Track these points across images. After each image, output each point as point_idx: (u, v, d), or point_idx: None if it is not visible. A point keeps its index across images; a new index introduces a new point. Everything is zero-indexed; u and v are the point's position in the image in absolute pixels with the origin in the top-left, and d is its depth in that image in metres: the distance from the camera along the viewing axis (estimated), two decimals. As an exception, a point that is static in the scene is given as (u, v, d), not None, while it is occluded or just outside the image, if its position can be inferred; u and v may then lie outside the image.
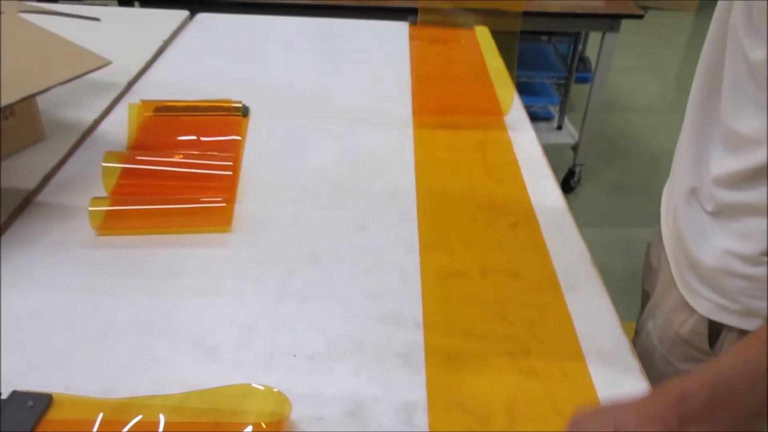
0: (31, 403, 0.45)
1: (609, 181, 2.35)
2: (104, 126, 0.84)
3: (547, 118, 2.40)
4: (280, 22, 1.27)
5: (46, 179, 0.72)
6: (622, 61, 3.05)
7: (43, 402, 0.45)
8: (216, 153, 0.76)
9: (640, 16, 1.91)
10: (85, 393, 0.47)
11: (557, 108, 2.38)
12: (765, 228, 0.51)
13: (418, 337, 0.54)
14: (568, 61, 2.38)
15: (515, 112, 0.93)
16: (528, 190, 0.75)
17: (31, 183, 0.70)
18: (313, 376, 0.50)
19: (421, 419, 0.47)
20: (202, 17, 1.25)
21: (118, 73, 0.91)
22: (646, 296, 0.76)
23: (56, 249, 0.62)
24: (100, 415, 0.45)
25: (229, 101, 0.87)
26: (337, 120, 0.90)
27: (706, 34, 0.57)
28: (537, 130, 0.89)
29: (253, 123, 0.86)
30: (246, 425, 0.44)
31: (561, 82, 2.33)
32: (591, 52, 2.56)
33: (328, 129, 0.87)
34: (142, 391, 0.47)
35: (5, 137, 0.72)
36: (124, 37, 1.10)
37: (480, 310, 0.57)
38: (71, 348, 0.51)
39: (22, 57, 0.65)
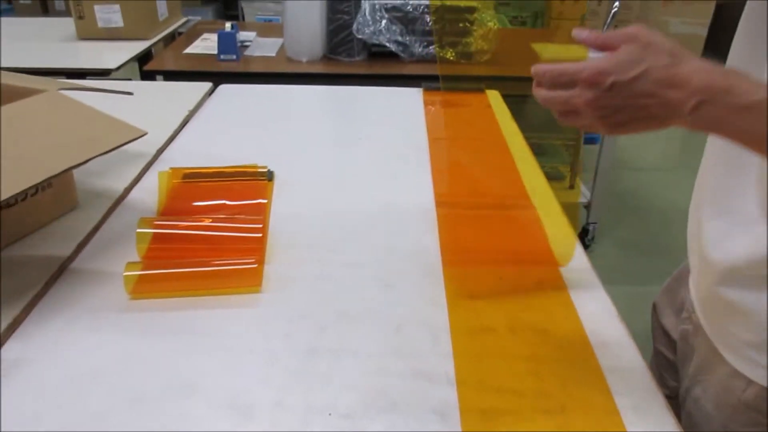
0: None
1: (622, 239, 2.36)
2: (135, 193, 0.87)
3: (558, 178, 2.43)
4: (299, 91, 1.33)
5: (81, 246, 0.74)
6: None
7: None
8: (244, 216, 0.78)
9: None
10: (124, 455, 0.47)
11: (568, 168, 2.42)
12: None
13: (451, 393, 0.54)
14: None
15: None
16: (551, 246, 0.76)
17: (66, 250, 0.72)
18: (349, 435, 0.50)
19: (460, 478, 0.47)
20: (224, 88, 1.30)
21: (147, 143, 0.95)
22: (659, 355, 0.75)
23: (91, 314, 0.63)
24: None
25: (255, 166, 0.90)
26: (359, 181, 0.92)
27: None
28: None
29: (278, 186, 0.89)
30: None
31: (571, 143, 2.38)
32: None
33: (350, 190, 0.89)
34: (180, 453, 0.47)
35: (42, 208, 0.75)
36: (151, 109, 1.14)
37: (511, 365, 0.58)
38: (108, 411, 0.51)
39: (63, 131, 0.68)
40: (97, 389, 0.54)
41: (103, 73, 1.64)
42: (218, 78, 1.39)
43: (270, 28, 2.16)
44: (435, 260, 0.73)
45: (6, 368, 0.56)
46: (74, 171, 0.79)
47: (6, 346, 0.58)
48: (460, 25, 1.72)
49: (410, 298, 0.67)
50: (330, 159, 1.01)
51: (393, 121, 1.17)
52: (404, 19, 1.73)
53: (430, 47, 1.75)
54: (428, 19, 1.73)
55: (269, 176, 0.90)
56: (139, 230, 0.71)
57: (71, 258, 0.72)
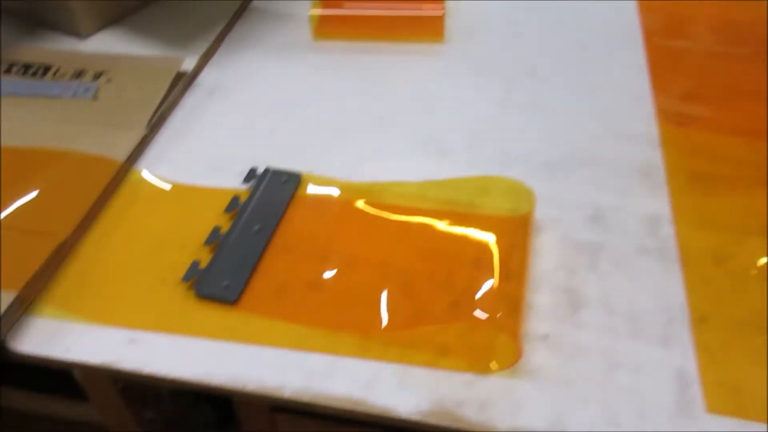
0: (285, 177, 0.48)
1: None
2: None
3: None
4: None
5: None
6: None
7: (295, 179, 0.48)
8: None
9: None
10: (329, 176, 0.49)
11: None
12: None
13: (655, 155, 0.51)
14: None
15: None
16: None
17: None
18: (547, 181, 0.49)
19: (667, 231, 0.45)
20: None
21: None
22: None
23: (279, 51, 0.63)
24: (345, 194, 0.47)
25: None
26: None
27: None
28: None
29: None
30: (490, 216, 0.44)
31: None
32: None
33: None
34: (381, 179, 0.48)
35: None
36: None
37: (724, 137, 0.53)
38: (310, 138, 0.53)
39: None
40: (296, 118, 0.55)
41: None
42: None
43: None
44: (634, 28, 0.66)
45: (209, 90, 0.58)
46: None
47: (205, 71, 0.61)
48: None
49: (606, 63, 0.61)
50: None
51: None
52: None
53: None
54: None
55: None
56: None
57: (252, -4, 0.70)
